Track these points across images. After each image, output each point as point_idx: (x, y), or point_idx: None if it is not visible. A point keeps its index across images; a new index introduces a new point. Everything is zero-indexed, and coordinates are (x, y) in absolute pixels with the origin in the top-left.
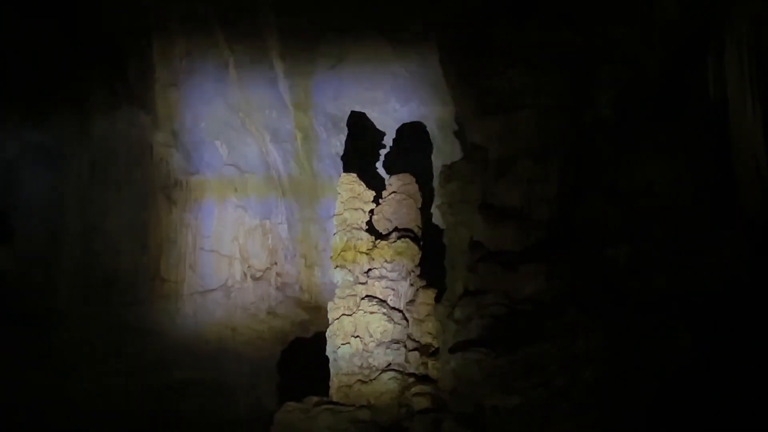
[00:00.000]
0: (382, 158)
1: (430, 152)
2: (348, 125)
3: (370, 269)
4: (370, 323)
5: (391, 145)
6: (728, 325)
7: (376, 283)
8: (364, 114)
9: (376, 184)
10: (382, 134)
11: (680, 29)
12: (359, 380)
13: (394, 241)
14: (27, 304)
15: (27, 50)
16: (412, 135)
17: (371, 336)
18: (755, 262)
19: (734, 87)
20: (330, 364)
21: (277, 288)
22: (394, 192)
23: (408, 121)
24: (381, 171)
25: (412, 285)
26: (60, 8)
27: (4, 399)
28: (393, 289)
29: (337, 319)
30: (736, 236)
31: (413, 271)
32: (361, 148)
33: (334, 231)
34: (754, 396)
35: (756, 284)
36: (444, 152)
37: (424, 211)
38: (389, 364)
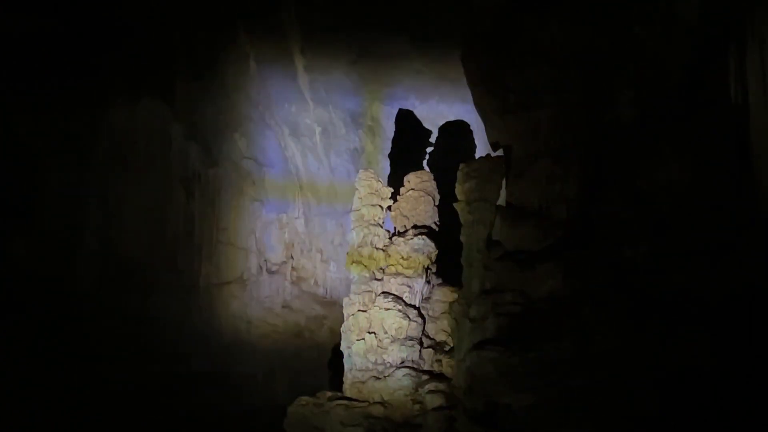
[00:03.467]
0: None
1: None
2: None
3: (386, 266)
4: (385, 320)
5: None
6: (746, 326)
7: (392, 280)
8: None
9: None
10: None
11: (702, 29)
12: (373, 376)
13: (411, 238)
14: (46, 292)
15: (49, 41)
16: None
17: (386, 332)
18: None
19: (755, 88)
20: (344, 360)
21: (293, 282)
22: (411, 189)
23: (424, 117)
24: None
25: (428, 282)
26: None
27: (19, 388)
28: (409, 286)
29: (353, 314)
30: (755, 237)
31: (429, 269)
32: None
33: (351, 227)
34: None
35: None
36: (461, 149)
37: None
38: (403, 361)
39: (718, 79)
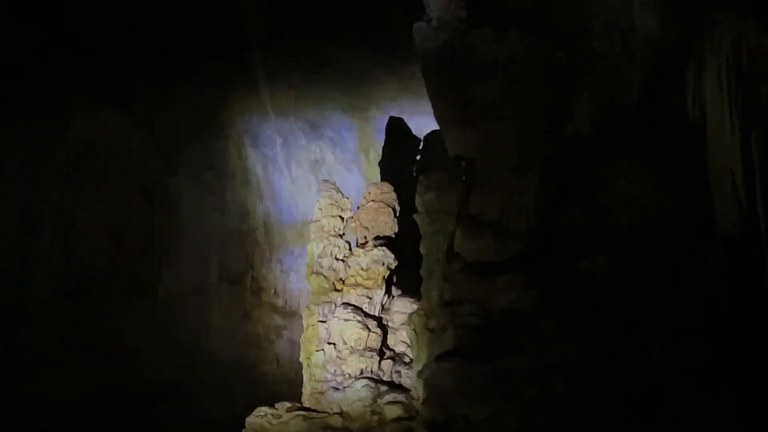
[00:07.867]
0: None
1: None
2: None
3: (346, 276)
4: (345, 330)
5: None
6: (704, 339)
7: (352, 291)
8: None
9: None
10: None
11: (661, 44)
12: (332, 387)
13: (371, 249)
14: (2, 300)
15: (10, 52)
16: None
17: (345, 343)
18: (731, 277)
19: (712, 103)
20: (303, 370)
21: (253, 292)
22: (372, 200)
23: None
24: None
25: (388, 293)
26: (45, 11)
27: None
28: (369, 297)
29: (312, 325)
30: (712, 251)
31: (389, 279)
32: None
33: (311, 237)
34: (730, 410)
35: (731, 299)
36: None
37: None
38: (362, 372)
39: (677, 94)
